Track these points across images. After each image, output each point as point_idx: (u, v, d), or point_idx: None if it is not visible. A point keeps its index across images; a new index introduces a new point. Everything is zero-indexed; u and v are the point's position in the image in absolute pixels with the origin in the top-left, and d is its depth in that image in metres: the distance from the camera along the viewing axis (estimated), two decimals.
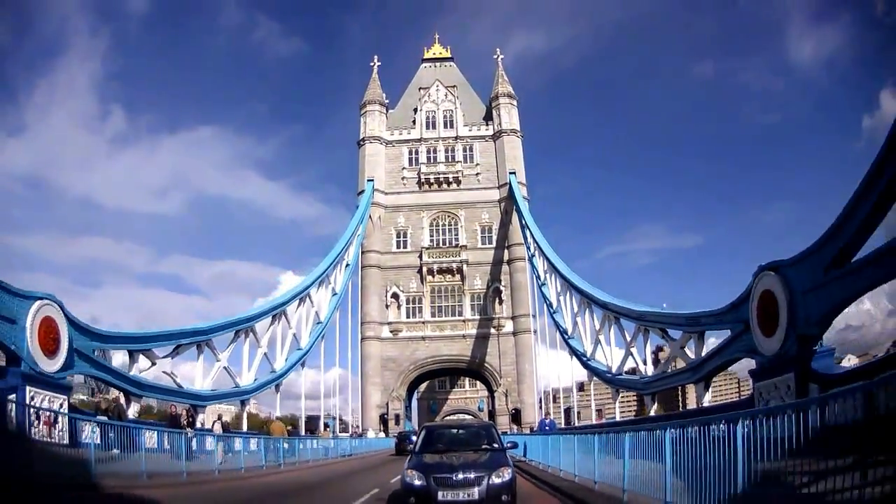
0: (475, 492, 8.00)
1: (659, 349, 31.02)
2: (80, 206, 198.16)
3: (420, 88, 59.19)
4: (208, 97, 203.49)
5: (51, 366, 12.39)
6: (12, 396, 11.06)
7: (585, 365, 29.01)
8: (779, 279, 11.62)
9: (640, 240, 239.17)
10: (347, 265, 43.03)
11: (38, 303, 12.12)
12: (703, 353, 16.52)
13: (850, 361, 46.70)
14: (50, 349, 12.35)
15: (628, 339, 22.66)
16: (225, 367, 22.50)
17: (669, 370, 19.77)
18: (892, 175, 9.55)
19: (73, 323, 13.19)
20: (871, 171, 9.83)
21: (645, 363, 21.96)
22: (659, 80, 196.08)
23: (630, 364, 23.54)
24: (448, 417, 65.48)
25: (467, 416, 63.34)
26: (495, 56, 60.00)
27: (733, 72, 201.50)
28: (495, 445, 9.72)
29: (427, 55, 64.07)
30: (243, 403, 25.89)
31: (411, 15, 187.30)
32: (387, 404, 49.72)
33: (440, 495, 7.98)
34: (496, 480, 8.17)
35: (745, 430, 5.36)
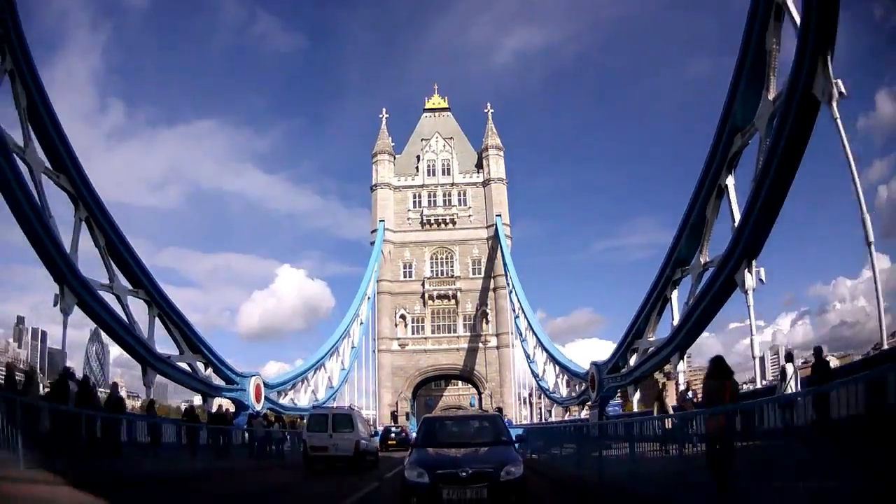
0: (484, 489, 7.54)
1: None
2: None
3: (422, 139, 73.37)
4: (207, 91, 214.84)
5: (257, 407, 27.11)
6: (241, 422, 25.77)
7: (538, 384, 44.03)
8: (597, 369, 26.55)
9: (634, 234, 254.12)
10: (368, 298, 57.66)
11: (253, 378, 26.80)
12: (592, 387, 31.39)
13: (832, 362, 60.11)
14: (257, 399, 27.05)
15: (556, 370, 37.62)
16: (313, 391, 37.45)
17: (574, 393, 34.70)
18: (633, 325, 24.23)
19: (265, 384, 27.91)
20: (632, 323, 24.44)
21: (567, 385, 36.91)
22: (655, 77, 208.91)
23: (564, 387, 38.41)
24: (445, 411, 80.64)
25: (460, 410, 78.38)
26: (486, 110, 74.24)
27: (728, 70, 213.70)
28: (503, 438, 9.33)
29: (428, 105, 78.09)
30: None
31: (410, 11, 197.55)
32: (396, 403, 64.79)
33: (445, 493, 7.55)
34: (506, 476, 7.74)
35: (591, 430, 19.80)
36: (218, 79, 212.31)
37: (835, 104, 12.80)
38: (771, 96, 15.98)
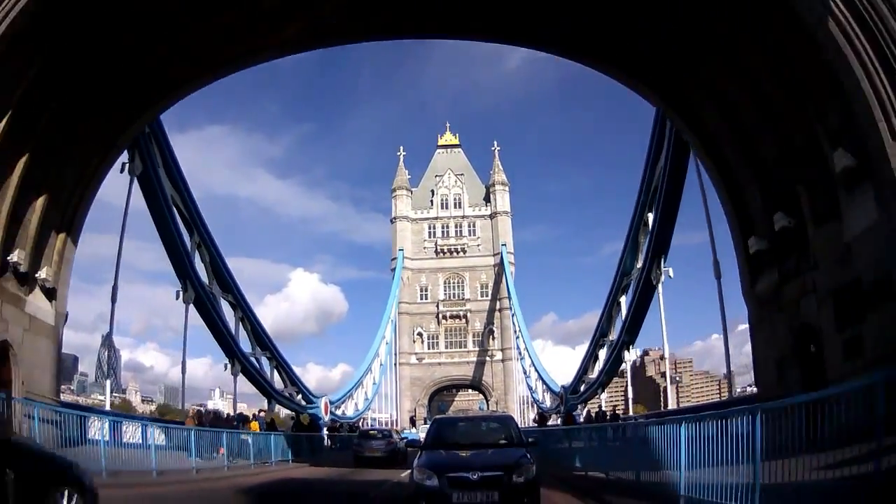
0: (496, 494, 7.54)
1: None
2: None
3: (435, 175, 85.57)
4: (219, 97, 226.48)
5: (325, 418, 39.42)
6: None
7: (532, 395, 56.13)
8: (563, 390, 38.76)
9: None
10: (392, 321, 69.95)
11: (323, 398, 39.17)
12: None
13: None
14: (325, 412, 39.35)
15: (543, 387, 49.63)
16: (355, 403, 49.89)
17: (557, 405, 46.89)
18: (593, 349, 36.10)
19: (331, 402, 40.28)
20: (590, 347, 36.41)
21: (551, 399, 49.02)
22: None
23: (549, 399, 50.44)
24: (457, 413, 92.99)
25: (470, 412, 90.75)
26: (493, 148, 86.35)
27: None
28: (515, 441, 9.38)
29: (441, 142, 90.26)
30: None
31: None
32: (414, 409, 77.09)
33: (455, 497, 7.58)
34: (518, 480, 7.75)
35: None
36: (229, 84, 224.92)
37: (661, 284, 24.91)
38: (639, 265, 27.85)
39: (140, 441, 15.80)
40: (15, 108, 12.28)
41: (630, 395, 35.41)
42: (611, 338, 31.75)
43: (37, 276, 14.38)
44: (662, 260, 25.09)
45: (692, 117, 14.82)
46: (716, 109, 13.63)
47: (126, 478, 13.50)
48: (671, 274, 25.43)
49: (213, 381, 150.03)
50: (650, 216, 25.84)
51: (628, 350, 29.83)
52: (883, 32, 8.64)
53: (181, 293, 24.49)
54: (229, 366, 28.58)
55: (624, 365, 30.93)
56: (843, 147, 9.90)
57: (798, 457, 5.95)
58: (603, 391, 33.07)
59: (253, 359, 30.69)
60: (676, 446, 8.49)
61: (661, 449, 9.25)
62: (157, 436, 15.66)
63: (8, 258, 13.41)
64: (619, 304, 30.84)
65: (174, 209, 23.17)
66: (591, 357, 34.89)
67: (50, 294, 14.84)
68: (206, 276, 26.36)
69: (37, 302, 14.47)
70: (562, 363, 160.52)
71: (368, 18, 13.90)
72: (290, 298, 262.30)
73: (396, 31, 15.23)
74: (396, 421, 76.56)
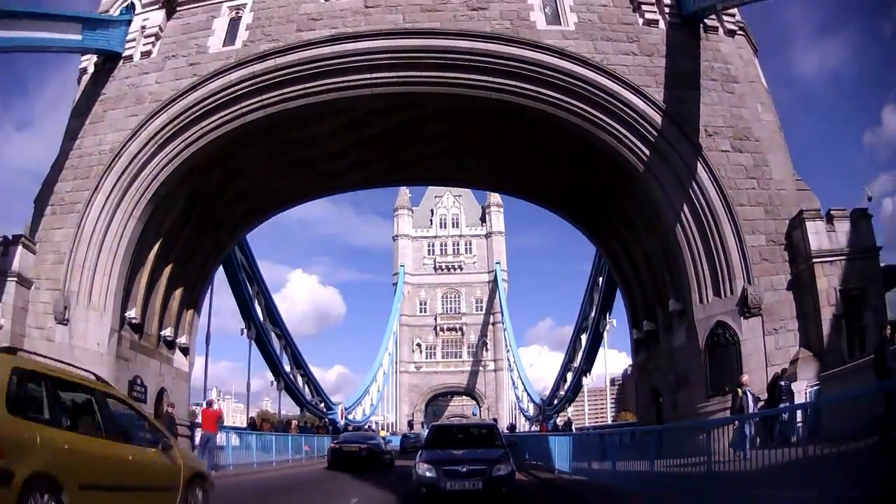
0: (479, 482, 9.67)
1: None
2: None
3: (435, 196, 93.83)
4: None
5: (341, 423, 47.64)
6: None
7: (518, 405, 64.53)
8: (542, 402, 47.22)
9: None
10: (394, 333, 78.23)
11: (339, 405, 47.45)
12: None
13: None
14: (342, 417, 47.58)
15: (527, 397, 58.03)
16: (363, 409, 58.17)
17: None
18: (563, 372, 44.62)
19: (345, 408, 48.55)
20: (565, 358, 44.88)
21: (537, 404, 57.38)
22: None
23: (532, 408, 58.77)
24: (451, 419, 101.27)
25: (463, 418, 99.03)
26: None
27: None
28: (497, 443, 11.61)
29: None
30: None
31: None
32: (412, 414, 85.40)
33: (448, 485, 9.70)
34: (497, 473, 9.88)
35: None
36: None
37: (607, 331, 33.28)
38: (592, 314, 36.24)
39: (238, 443, 23.79)
40: (165, 234, 20.34)
41: (609, 406, 44.06)
42: (575, 364, 40.59)
43: (177, 341, 22.46)
44: (608, 313, 33.65)
45: (606, 248, 23.31)
46: (619, 246, 21.95)
47: (238, 469, 21.36)
48: (614, 324, 34.45)
49: (209, 382, 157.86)
50: (601, 279, 34.62)
51: (586, 376, 38.83)
52: (707, 236, 16.74)
53: (245, 330, 32.81)
54: (275, 382, 37.00)
55: (583, 387, 40.15)
56: (674, 297, 18.27)
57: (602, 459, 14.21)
58: (570, 405, 41.80)
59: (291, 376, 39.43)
60: (553, 448, 16.95)
61: (550, 448, 17.73)
62: (253, 441, 23.77)
63: (161, 333, 21.57)
64: (580, 339, 39.66)
65: (242, 270, 31.29)
66: (561, 378, 43.53)
67: (185, 352, 22.82)
68: (262, 314, 34.72)
69: (178, 358, 22.29)
70: (555, 369, 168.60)
71: (402, 174, 22.17)
72: (289, 299, 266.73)
73: (422, 180, 23.49)
74: (396, 424, 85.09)
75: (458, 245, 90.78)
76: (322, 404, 44.50)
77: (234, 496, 12.16)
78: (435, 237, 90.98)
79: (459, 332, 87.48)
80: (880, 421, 6.26)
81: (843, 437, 5.58)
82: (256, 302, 33.23)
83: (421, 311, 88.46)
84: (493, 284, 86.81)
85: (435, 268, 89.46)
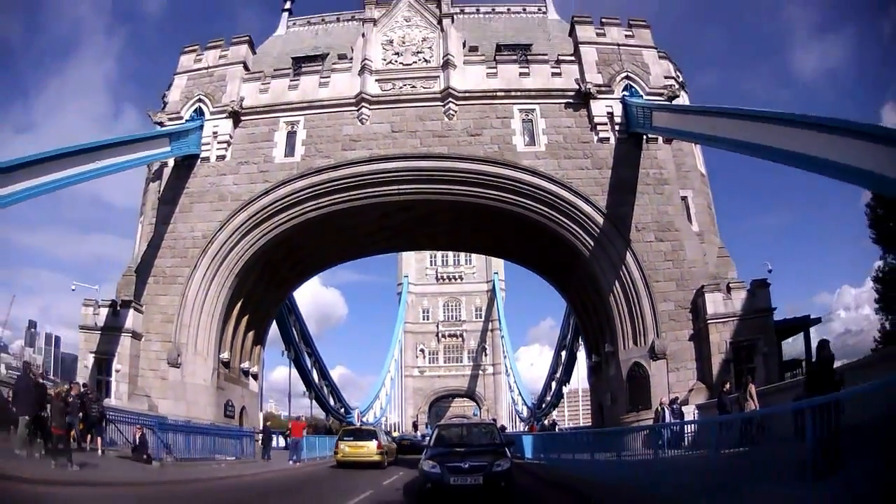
0: (480, 477, 10.56)
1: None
2: (89, 204, 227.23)
3: None
4: None
5: (357, 424, 55.53)
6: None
7: (514, 407, 72.47)
8: (533, 405, 55.24)
9: None
10: (399, 341, 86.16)
11: (356, 410, 55.36)
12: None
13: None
14: (358, 420, 55.44)
15: (522, 400, 66.00)
16: (373, 412, 66.04)
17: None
18: (548, 381, 52.73)
19: (361, 412, 56.41)
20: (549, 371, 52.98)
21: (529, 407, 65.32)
22: None
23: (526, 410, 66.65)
24: (453, 419, 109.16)
25: (465, 419, 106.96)
26: None
27: (737, 81, 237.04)
28: (496, 441, 12.71)
29: None
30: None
31: None
32: (416, 415, 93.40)
33: (451, 480, 10.60)
34: (497, 469, 10.80)
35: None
36: None
37: (579, 352, 41.11)
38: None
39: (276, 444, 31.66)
40: (244, 295, 28.21)
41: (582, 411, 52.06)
42: (557, 376, 48.86)
43: (250, 370, 30.44)
44: (580, 337, 41.38)
45: (569, 298, 31.46)
46: (577, 299, 29.96)
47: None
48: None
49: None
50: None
51: (565, 385, 46.93)
52: (630, 304, 24.52)
53: (285, 352, 40.96)
54: (306, 392, 45.20)
55: (563, 395, 48.46)
56: (609, 341, 26.10)
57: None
58: (554, 409, 50.11)
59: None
60: (525, 444, 25.19)
61: (524, 444, 25.82)
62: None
63: (241, 365, 29.51)
64: (560, 356, 47.81)
65: (284, 305, 39.21)
66: (548, 386, 51.59)
67: (255, 377, 30.91)
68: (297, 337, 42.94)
69: (251, 383, 30.43)
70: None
71: (416, 245, 30.17)
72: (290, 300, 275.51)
73: (432, 248, 31.20)
74: (401, 425, 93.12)
75: (458, 256, 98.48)
76: (342, 409, 52.45)
77: (323, 473, 20.05)
78: (436, 249, 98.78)
79: (460, 339, 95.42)
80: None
81: (704, 447, 10.40)
82: (293, 328, 41.11)
83: (424, 319, 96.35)
84: (492, 293, 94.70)
85: (437, 278, 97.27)
